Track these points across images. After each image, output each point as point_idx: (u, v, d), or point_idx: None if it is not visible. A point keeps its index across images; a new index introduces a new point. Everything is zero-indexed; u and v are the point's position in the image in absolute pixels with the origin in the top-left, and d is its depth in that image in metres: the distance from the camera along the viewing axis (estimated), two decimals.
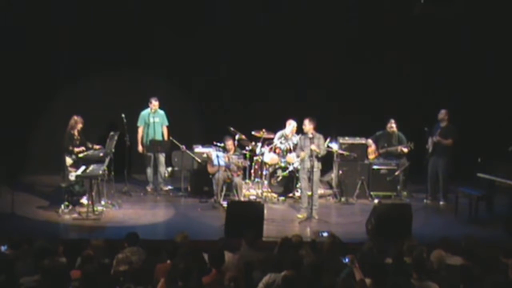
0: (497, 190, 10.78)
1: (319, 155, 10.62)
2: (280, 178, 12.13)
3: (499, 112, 13.29)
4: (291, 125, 11.86)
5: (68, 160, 11.05)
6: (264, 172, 11.95)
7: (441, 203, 11.78)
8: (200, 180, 12.03)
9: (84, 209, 10.39)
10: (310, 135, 10.56)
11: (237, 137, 12.09)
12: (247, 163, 11.99)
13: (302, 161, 10.73)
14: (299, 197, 11.26)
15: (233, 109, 13.41)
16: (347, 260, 6.67)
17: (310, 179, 10.55)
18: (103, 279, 6.23)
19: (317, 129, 10.69)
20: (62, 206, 10.53)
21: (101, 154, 10.78)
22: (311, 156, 10.45)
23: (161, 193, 12.14)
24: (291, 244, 7.57)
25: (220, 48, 13.28)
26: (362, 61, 13.37)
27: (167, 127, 12.23)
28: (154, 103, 12.03)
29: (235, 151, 11.77)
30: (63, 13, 12.66)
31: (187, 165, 12.31)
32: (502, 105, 13.29)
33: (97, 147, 11.38)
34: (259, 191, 11.83)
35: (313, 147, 10.46)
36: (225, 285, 6.24)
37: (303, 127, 10.71)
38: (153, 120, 12.07)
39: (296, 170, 11.76)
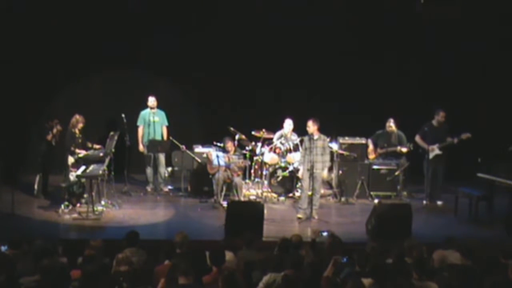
0: (497, 190, 10.78)
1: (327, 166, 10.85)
2: (280, 178, 12.13)
3: (499, 112, 13.30)
4: (287, 123, 11.87)
5: (70, 159, 11.07)
6: (264, 172, 11.96)
7: (439, 203, 11.79)
8: (200, 180, 12.03)
9: (84, 209, 10.39)
10: (315, 137, 10.56)
11: (237, 137, 12.09)
12: (247, 163, 11.99)
13: (304, 161, 10.71)
14: (299, 197, 11.26)
15: (233, 109, 13.41)
16: (344, 260, 6.68)
17: (311, 180, 10.53)
18: (103, 279, 6.22)
19: (320, 129, 10.70)
20: (62, 206, 10.54)
21: (101, 154, 10.79)
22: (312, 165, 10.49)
23: (161, 193, 12.14)
24: (291, 244, 7.58)
25: (220, 48, 13.29)
26: (362, 61, 13.36)
27: (167, 127, 12.23)
28: (151, 99, 12.05)
29: (235, 151, 11.77)
30: (63, 13, 12.66)
31: (187, 165, 12.33)
32: (502, 105, 13.30)
33: (97, 147, 11.41)
34: (259, 191, 11.83)
35: (325, 174, 10.91)
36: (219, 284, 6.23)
37: (307, 128, 10.66)
38: (153, 120, 12.08)
39: (296, 170, 11.77)
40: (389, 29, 13.37)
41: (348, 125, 12.73)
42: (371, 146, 12.38)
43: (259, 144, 12.11)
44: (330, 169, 12.34)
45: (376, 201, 11.80)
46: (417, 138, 11.85)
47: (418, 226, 9.81)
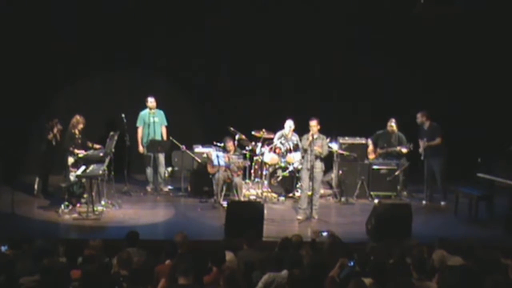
0: (497, 190, 10.77)
1: (322, 155, 10.64)
2: (280, 178, 12.13)
3: (499, 112, 13.30)
4: (288, 124, 11.88)
5: (70, 160, 11.08)
6: (264, 172, 11.96)
7: (442, 203, 11.78)
8: (200, 180, 12.02)
9: (84, 209, 10.40)
10: (315, 136, 10.55)
11: (237, 137, 12.09)
12: (247, 163, 11.99)
13: (304, 161, 10.71)
14: (299, 197, 11.26)
15: (233, 109, 13.40)
16: (352, 263, 6.68)
17: (311, 179, 10.53)
18: (103, 279, 6.22)
19: (320, 130, 10.71)
20: (62, 206, 10.54)
21: (101, 154, 10.79)
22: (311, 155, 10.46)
23: (161, 193, 12.14)
24: (291, 244, 7.58)
25: (220, 48, 13.30)
26: (363, 61, 13.35)
27: (166, 127, 12.24)
28: (150, 100, 12.05)
29: (235, 151, 11.77)
30: (63, 13, 12.66)
31: (187, 165, 12.33)
32: (502, 105, 13.30)
33: (97, 146, 11.41)
34: (259, 191, 11.83)
35: (317, 148, 10.47)
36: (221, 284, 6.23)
37: (311, 127, 10.65)
38: (153, 120, 12.08)
39: (296, 170, 11.77)
40: (390, 29, 13.36)
41: (348, 125, 12.73)
42: (371, 146, 12.39)
43: (259, 144, 12.12)
44: (330, 169, 12.36)
45: (376, 201, 11.80)
46: (419, 139, 11.89)
47: (418, 226, 9.81)
